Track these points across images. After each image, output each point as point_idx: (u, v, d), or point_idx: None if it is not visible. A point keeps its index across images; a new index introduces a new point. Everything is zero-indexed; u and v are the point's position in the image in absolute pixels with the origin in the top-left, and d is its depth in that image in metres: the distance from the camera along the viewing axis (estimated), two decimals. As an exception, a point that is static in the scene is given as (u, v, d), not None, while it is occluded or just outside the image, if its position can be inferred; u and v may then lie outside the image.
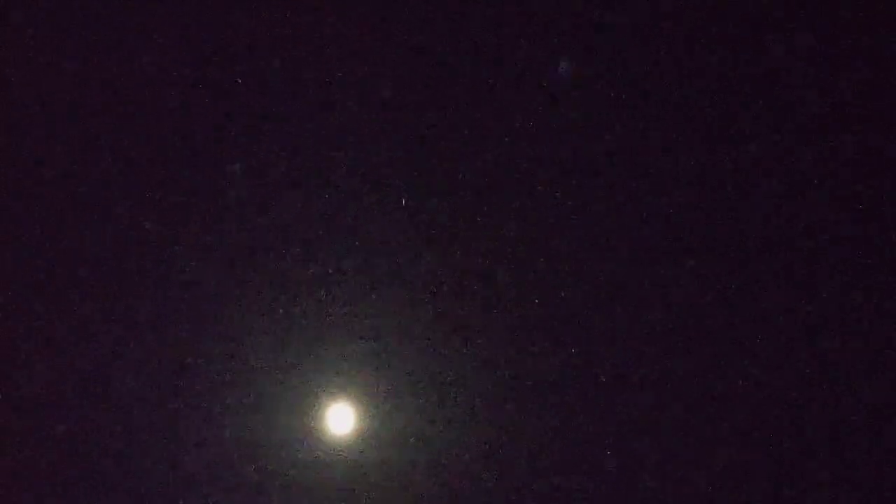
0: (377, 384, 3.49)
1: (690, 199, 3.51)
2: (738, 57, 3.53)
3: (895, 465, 3.41)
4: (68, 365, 3.48)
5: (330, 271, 3.51)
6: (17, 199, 3.52)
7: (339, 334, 3.49)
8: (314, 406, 3.49)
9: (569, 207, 3.51)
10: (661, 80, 3.54)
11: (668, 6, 3.55)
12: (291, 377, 3.49)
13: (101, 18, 3.57)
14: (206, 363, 3.48)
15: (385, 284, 3.51)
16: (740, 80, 3.53)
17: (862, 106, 3.51)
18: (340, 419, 3.49)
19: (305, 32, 3.56)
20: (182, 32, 3.56)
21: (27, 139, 3.54)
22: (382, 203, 3.52)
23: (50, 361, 3.48)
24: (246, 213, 3.52)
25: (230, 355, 3.48)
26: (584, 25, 3.55)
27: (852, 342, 3.45)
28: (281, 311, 3.50)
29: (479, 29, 3.55)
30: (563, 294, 3.49)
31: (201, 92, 3.54)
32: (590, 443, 3.46)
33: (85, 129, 3.54)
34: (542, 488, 3.45)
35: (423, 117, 3.54)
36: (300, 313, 3.49)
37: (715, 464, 3.45)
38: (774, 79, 3.53)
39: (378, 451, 3.46)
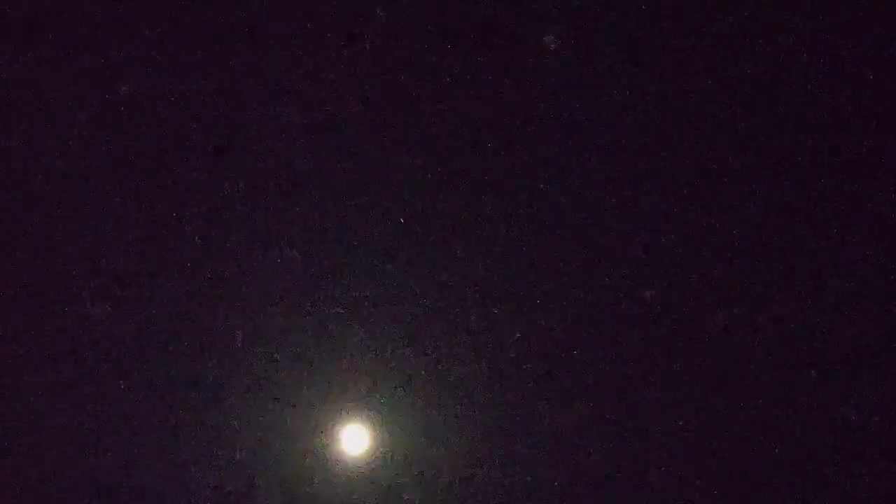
0: (389, 402, 3.48)
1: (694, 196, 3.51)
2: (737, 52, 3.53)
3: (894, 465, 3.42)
4: (61, 380, 3.48)
5: (338, 283, 3.50)
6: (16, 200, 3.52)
7: (348, 348, 3.49)
8: (324, 425, 3.49)
9: (577, 209, 3.51)
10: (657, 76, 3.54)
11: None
12: (301, 392, 3.48)
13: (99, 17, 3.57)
14: (212, 377, 3.48)
15: (397, 298, 3.50)
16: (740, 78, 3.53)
17: (862, 106, 3.51)
18: (351, 439, 3.48)
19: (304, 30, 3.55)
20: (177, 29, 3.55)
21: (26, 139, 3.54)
22: (392, 213, 3.52)
23: (47, 371, 3.48)
24: (250, 218, 3.51)
25: (237, 371, 3.48)
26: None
27: (855, 343, 3.46)
28: (287, 324, 3.49)
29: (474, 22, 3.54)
30: (580, 301, 3.49)
31: (196, 91, 3.54)
32: (609, 456, 3.46)
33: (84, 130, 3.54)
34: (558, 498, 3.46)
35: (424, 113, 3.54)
36: (307, 327, 3.49)
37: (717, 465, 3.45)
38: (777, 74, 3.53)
39: (391, 474, 3.46)
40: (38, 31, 3.53)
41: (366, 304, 3.48)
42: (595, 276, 3.48)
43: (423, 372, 3.48)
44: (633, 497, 3.44)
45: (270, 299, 3.48)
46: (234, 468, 3.46)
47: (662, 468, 3.44)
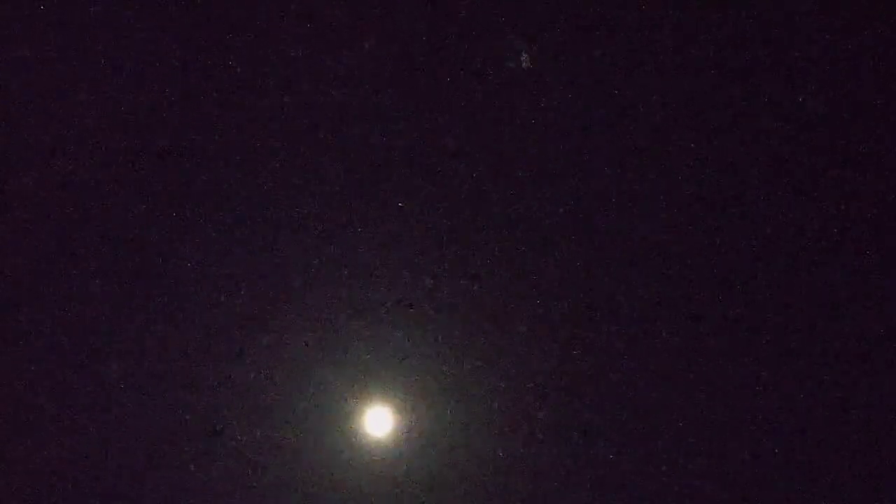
0: (414, 385, 3.49)
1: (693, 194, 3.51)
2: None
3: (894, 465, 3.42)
4: (92, 362, 3.48)
5: (362, 268, 3.51)
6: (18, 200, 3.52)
7: (374, 332, 3.50)
8: (353, 408, 3.49)
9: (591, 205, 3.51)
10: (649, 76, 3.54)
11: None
12: (328, 375, 3.48)
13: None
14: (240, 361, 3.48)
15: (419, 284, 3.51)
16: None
17: (862, 105, 3.52)
18: (378, 421, 3.48)
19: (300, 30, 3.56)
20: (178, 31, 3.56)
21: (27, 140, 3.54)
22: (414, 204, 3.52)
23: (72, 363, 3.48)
24: (278, 206, 3.52)
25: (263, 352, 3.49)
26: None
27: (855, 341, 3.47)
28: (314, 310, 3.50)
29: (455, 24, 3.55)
30: (606, 288, 3.50)
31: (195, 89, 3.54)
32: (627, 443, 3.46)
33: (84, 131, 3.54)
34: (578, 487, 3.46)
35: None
36: (334, 312, 3.50)
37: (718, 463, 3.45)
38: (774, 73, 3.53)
39: (418, 456, 3.46)
40: (38, 32, 3.54)
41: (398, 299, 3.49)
42: (594, 275, 3.49)
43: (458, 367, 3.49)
44: (635, 497, 3.45)
45: (304, 292, 3.49)
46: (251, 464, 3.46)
47: (663, 468, 3.45)
